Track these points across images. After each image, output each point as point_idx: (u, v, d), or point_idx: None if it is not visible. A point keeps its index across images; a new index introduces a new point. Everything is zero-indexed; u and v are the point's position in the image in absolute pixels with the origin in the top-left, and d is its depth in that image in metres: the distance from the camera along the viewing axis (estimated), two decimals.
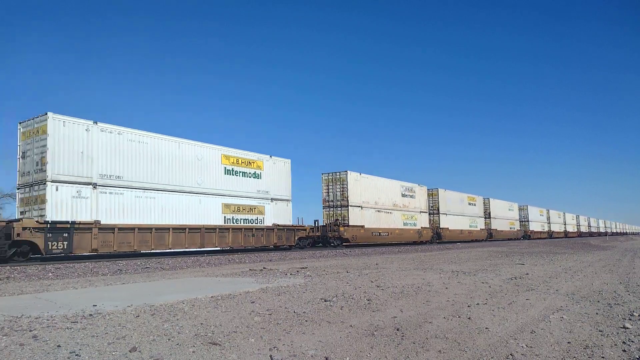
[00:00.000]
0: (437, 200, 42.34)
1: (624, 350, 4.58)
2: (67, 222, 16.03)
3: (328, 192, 31.22)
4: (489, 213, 53.63)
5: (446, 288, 8.46)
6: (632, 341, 4.90)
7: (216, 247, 21.84)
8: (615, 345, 4.79)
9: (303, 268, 12.56)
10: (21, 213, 16.54)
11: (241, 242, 22.83)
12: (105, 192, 17.39)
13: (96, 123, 17.36)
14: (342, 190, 30.58)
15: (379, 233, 33.20)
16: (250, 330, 4.92)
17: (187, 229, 20.10)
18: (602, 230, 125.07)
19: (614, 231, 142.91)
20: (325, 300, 6.79)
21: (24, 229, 15.12)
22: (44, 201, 15.74)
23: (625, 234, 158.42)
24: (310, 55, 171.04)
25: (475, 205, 49.95)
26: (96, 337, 4.43)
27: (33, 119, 16.61)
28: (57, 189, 15.99)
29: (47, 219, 15.57)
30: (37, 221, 15.48)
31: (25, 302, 6.53)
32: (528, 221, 65.12)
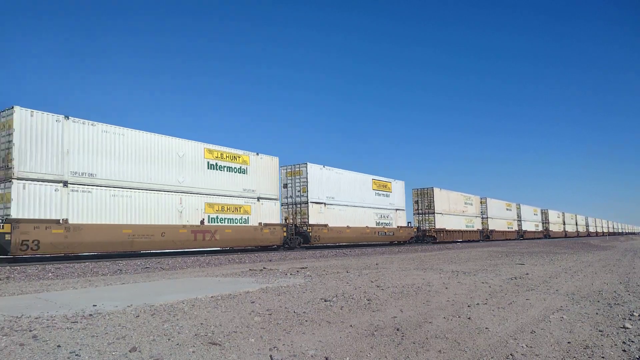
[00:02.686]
0: (487, 206, 52.61)
1: (624, 350, 4.58)
2: (315, 224, 27.10)
3: (418, 203, 41.91)
4: (520, 216, 62.93)
5: (446, 288, 8.46)
6: (632, 341, 4.90)
7: (372, 242, 33.08)
8: (615, 345, 4.78)
9: (303, 268, 12.56)
10: (285, 219, 27.11)
11: (383, 239, 33.86)
12: (327, 206, 28.56)
13: (324, 167, 28.79)
14: (429, 202, 40.88)
15: (457, 233, 43.99)
16: (250, 330, 4.92)
17: (361, 229, 31.30)
18: (617, 230, 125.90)
19: (629, 231, 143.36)
20: (325, 300, 6.79)
21: (300, 225, 26.59)
22: (305, 212, 27.14)
23: (633, 233, 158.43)
24: (311, 55, 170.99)
25: (511, 210, 60.05)
26: (96, 337, 4.43)
27: (292, 165, 27.91)
28: (312, 206, 27.28)
29: (308, 223, 26.67)
30: (305, 223, 26.64)
31: (25, 302, 6.53)
32: (549, 222, 73.47)
